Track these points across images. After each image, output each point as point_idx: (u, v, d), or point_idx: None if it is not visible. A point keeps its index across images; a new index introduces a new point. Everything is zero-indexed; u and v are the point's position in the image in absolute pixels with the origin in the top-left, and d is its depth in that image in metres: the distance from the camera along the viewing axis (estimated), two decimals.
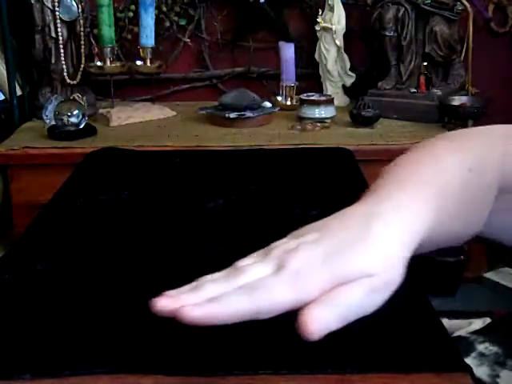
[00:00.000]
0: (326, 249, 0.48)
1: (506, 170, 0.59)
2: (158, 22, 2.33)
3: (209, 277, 0.51)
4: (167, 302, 0.48)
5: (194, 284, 0.51)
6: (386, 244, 0.48)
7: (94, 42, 2.29)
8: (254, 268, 0.50)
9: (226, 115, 2.09)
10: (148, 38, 2.20)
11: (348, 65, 2.34)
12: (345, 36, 2.32)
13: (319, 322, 0.45)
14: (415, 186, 0.52)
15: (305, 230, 0.52)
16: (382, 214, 0.49)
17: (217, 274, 0.51)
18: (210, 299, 0.47)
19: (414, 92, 2.18)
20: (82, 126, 2.01)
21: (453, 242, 0.61)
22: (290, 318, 0.70)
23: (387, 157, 1.98)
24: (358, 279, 0.46)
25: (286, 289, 0.46)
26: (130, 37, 2.39)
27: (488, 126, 0.65)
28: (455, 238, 0.60)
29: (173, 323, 0.70)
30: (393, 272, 0.48)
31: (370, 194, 0.53)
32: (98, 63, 2.22)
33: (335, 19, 2.29)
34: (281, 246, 0.51)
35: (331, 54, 2.33)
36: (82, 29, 2.21)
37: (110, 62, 2.20)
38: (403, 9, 2.18)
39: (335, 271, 0.46)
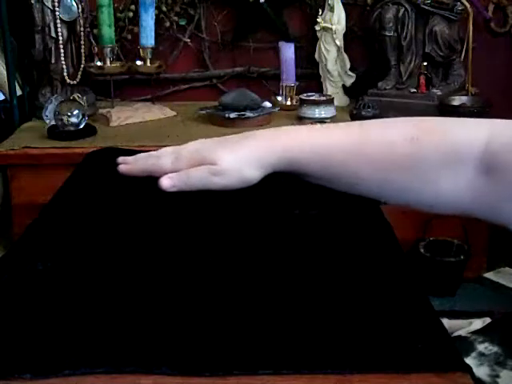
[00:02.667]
0: (205, 145, 0.75)
1: (490, 148, 0.63)
2: (158, 22, 2.33)
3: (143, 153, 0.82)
4: (119, 159, 0.82)
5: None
6: (240, 148, 0.71)
7: (93, 42, 2.29)
8: (165, 148, 0.79)
9: (226, 115, 2.09)
10: (148, 38, 2.20)
11: (348, 65, 2.34)
12: (345, 36, 2.32)
13: (167, 181, 0.72)
14: (302, 127, 0.74)
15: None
16: (254, 134, 0.73)
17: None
18: (134, 160, 0.80)
19: (414, 92, 2.18)
20: (82, 126, 2.01)
21: (393, 200, 0.71)
22: (290, 319, 0.70)
23: None
24: (205, 164, 0.71)
25: (168, 162, 0.75)
26: (129, 37, 2.39)
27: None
28: (394, 198, 0.70)
29: (173, 323, 0.70)
30: (234, 166, 0.70)
31: None
32: (98, 63, 2.22)
33: (335, 19, 2.29)
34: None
35: (331, 54, 2.33)
36: (81, 29, 2.21)
37: (110, 62, 2.20)
38: (403, 9, 2.18)
39: (196, 157, 0.73)
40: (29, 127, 2.17)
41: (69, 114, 1.98)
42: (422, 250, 2.04)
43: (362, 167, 0.68)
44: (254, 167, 0.71)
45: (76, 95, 2.11)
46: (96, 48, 2.24)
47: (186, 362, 0.63)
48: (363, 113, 2.06)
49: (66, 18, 2.17)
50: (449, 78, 2.26)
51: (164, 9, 2.39)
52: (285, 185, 1.20)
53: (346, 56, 2.33)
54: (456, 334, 1.63)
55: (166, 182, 0.72)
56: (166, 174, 0.73)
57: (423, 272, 2.01)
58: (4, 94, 2.20)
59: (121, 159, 0.81)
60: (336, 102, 2.21)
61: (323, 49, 2.34)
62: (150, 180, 1.24)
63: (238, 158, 0.71)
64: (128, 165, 0.79)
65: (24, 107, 2.26)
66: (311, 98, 2.16)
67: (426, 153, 0.65)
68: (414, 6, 2.18)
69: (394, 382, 0.61)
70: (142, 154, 0.81)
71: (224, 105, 2.14)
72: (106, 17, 2.15)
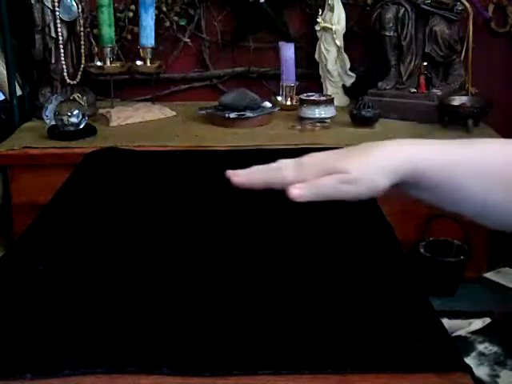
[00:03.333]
0: (330, 155, 0.70)
1: None
2: (158, 22, 2.33)
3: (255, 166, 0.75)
4: (229, 172, 0.73)
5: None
6: (370, 156, 0.68)
7: (93, 42, 2.29)
8: (284, 160, 0.73)
9: (226, 115, 2.09)
10: (148, 38, 2.20)
11: (348, 65, 2.34)
12: (345, 36, 2.32)
13: (297, 192, 0.68)
14: (423, 140, 0.70)
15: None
16: (382, 144, 0.69)
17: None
18: (249, 172, 0.72)
19: (414, 92, 2.18)
20: (82, 126, 2.01)
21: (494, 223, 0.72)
22: (289, 319, 0.70)
23: None
24: (335, 173, 0.68)
25: (290, 172, 0.70)
26: (129, 37, 2.39)
27: None
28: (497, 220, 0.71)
29: (173, 324, 0.70)
30: (366, 174, 0.68)
31: None
32: (98, 63, 2.22)
33: (335, 19, 2.29)
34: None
35: (331, 54, 2.33)
36: (81, 29, 2.21)
37: (110, 62, 2.20)
38: (403, 9, 2.18)
39: (324, 166, 0.69)
40: (29, 127, 2.17)
41: (69, 113, 1.98)
42: (421, 250, 2.04)
43: (485, 184, 0.68)
44: (384, 175, 0.68)
45: (76, 95, 2.11)
46: (96, 48, 2.24)
47: (186, 362, 0.63)
48: (363, 113, 2.06)
49: (66, 18, 2.17)
50: (449, 78, 2.26)
51: (164, 9, 2.39)
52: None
53: (345, 56, 2.33)
54: (456, 334, 1.63)
55: (295, 192, 0.68)
56: (289, 185, 0.69)
57: (423, 272, 2.01)
58: (4, 94, 2.20)
59: (230, 172, 0.75)
60: (336, 102, 2.21)
61: (323, 49, 2.34)
62: (151, 180, 1.24)
63: (369, 166, 0.68)
64: (243, 177, 0.74)
65: (24, 107, 2.26)
66: (311, 98, 2.16)
67: None
68: (414, 6, 2.17)
69: (393, 382, 0.61)
70: (258, 167, 0.75)
71: (224, 105, 2.14)
72: (106, 17, 2.15)
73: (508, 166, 0.68)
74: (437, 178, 0.69)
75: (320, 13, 2.32)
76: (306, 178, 0.69)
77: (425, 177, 0.68)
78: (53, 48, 2.20)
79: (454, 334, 1.62)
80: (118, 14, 2.36)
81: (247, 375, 0.62)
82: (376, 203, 1.10)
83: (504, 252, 2.19)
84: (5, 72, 2.17)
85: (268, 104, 2.19)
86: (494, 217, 0.70)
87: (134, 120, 2.19)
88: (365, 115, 2.06)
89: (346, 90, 2.38)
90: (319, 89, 2.36)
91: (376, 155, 0.69)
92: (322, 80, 2.38)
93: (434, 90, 2.17)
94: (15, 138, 2.05)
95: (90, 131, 2.03)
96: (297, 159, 0.72)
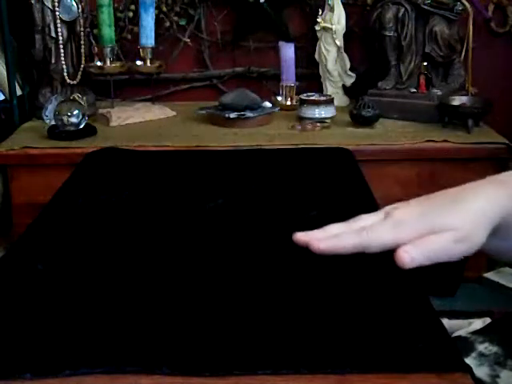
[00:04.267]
0: (424, 208, 0.64)
1: None
2: (158, 22, 2.33)
3: (336, 224, 0.68)
4: (302, 235, 0.67)
5: (325, 227, 0.68)
6: (472, 207, 0.62)
7: (94, 42, 2.29)
8: (368, 216, 0.67)
9: (226, 115, 2.09)
10: (148, 38, 2.20)
11: (348, 65, 2.34)
12: (345, 36, 2.32)
13: (408, 257, 0.61)
14: (505, 180, 0.66)
15: (410, 201, 0.67)
16: (472, 189, 0.64)
17: (342, 223, 0.68)
18: (332, 236, 0.65)
19: (414, 92, 2.18)
20: (82, 126, 2.01)
21: None
22: (289, 319, 0.70)
23: (387, 157, 1.99)
24: (445, 231, 0.61)
25: (388, 232, 0.63)
26: (129, 37, 2.39)
27: None
28: None
29: (173, 324, 0.70)
30: (474, 229, 0.62)
31: None
32: (98, 63, 2.22)
33: (335, 19, 2.29)
34: (392, 205, 0.67)
35: (331, 54, 2.33)
36: (81, 29, 2.21)
37: (110, 62, 2.20)
38: (403, 9, 2.18)
39: (427, 223, 0.62)
40: (29, 127, 2.17)
41: (69, 114, 1.98)
42: None
43: None
44: (488, 227, 0.63)
45: (76, 95, 2.11)
46: (96, 48, 2.24)
47: (187, 362, 0.63)
48: (363, 113, 2.06)
49: (66, 17, 2.17)
50: (449, 77, 2.25)
51: (164, 9, 2.39)
52: (285, 185, 1.20)
53: (345, 56, 2.33)
54: (456, 334, 1.63)
55: (405, 257, 0.61)
56: (385, 248, 0.63)
57: (423, 272, 2.01)
58: (4, 94, 2.20)
59: (303, 235, 0.67)
60: (336, 102, 2.21)
61: (323, 49, 2.34)
62: (151, 180, 1.24)
63: (476, 219, 0.62)
64: (327, 242, 0.65)
65: (24, 107, 2.26)
66: (311, 98, 2.16)
67: None
68: (414, 6, 2.17)
69: (394, 382, 0.61)
70: (340, 226, 0.68)
71: (224, 105, 2.14)
72: (106, 17, 2.15)
73: None
74: None
75: (320, 13, 2.32)
76: (405, 238, 0.62)
77: (507, 225, 0.63)
78: (53, 48, 2.20)
79: (454, 334, 1.62)
80: (118, 14, 2.36)
81: (247, 375, 0.62)
82: (375, 203, 1.10)
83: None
84: (5, 72, 2.17)
85: (268, 104, 2.19)
86: None
87: (134, 120, 2.19)
88: (365, 115, 2.06)
89: (346, 89, 2.38)
90: (319, 89, 2.36)
91: (478, 203, 0.63)
92: (322, 80, 2.39)
93: (434, 90, 2.17)
94: (15, 138, 2.05)
95: (90, 131, 2.03)
96: (387, 215, 0.65)
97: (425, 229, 0.62)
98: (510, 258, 0.69)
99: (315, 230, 0.67)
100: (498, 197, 0.63)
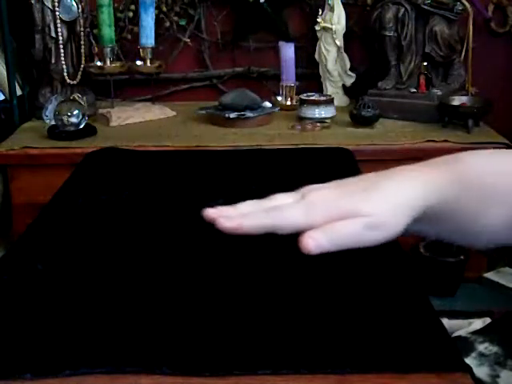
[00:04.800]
0: (342, 191, 0.61)
1: None
2: (158, 22, 2.33)
3: (247, 201, 0.64)
4: (212, 212, 0.63)
5: (235, 205, 0.64)
6: (389, 194, 0.59)
7: (94, 42, 2.29)
8: (281, 197, 0.63)
9: (226, 115, 2.09)
10: (148, 38, 2.20)
11: (348, 65, 2.34)
12: (345, 36, 2.32)
13: (313, 242, 0.57)
14: (435, 164, 0.62)
15: (331, 183, 0.65)
16: (399, 174, 0.61)
17: (253, 200, 0.65)
18: (242, 214, 0.61)
19: (414, 92, 2.18)
20: (82, 126, 2.01)
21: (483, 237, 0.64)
22: (289, 319, 0.70)
23: (387, 157, 1.99)
24: (357, 216, 0.58)
25: (299, 214, 0.59)
26: (129, 37, 2.39)
27: None
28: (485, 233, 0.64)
29: (173, 324, 0.70)
30: (390, 216, 0.58)
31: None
32: (98, 63, 2.22)
33: (335, 19, 2.29)
34: (309, 187, 0.64)
35: (331, 54, 2.33)
36: (81, 29, 2.21)
37: (110, 62, 2.20)
38: (403, 9, 2.18)
39: (340, 207, 0.59)
40: (29, 127, 2.17)
41: (69, 114, 1.98)
42: (421, 250, 2.04)
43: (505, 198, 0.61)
44: (408, 214, 0.59)
45: (76, 95, 2.11)
46: (96, 48, 2.24)
47: (187, 362, 0.63)
48: (363, 113, 2.06)
49: (66, 18, 2.17)
50: (449, 78, 2.25)
51: (164, 9, 2.39)
52: (285, 185, 1.20)
53: (346, 56, 2.33)
54: (456, 334, 1.63)
55: (310, 243, 0.58)
56: (296, 230, 0.59)
57: (423, 272, 2.01)
58: (4, 94, 2.20)
59: (215, 212, 0.63)
60: (336, 102, 2.21)
61: (323, 49, 2.34)
62: (151, 180, 1.24)
63: (394, 205, 0.59)
64: (235, 221, 0.62)
65: (24, 107, 2.26)
66: (311, 98, 2.16)
67: None
68: (414, 6, 2.17)
69: (394, 382, 0.61)
70: (251, 205, 0.64)
71: (224, 105, 2.14)
72: (106, 17, 2.15)
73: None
74: (464, 198, 0.61)
75: (320, 13, 2.32)
76: (317, 221, 0.59)
77: (449, 201, 0.61)
78: (53, 48, 2.20)
79: (454, 334, 1.62)
80: (118, 14, 2.36)
81: (247, 375, 0.62)
82: None
83: (504, 252, 2.19)
84: (5, 72, 2.16)
85: (268, 104, 2.19)
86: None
87: (134, 120, 2.19)
88: (365, 115, 2.06)
89: (346, 89, 2.38)
90: (319, 89, 2.36)
91: (399, 189, 0.60)
92: (322, 80, 2.38)
93: (434, 90, 2.17)
94: (15, 138, 2.05)
95: (90, 131, 2.03)
96: (301, 196, 0.62)
97: (337, 213, 0.59)
98: (440, 239, 0.65)
99: (226, 207, 0.63)
100: (424, 186, 0.60)
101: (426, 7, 2.15)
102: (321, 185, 0.64)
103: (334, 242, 0.58)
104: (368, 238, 0.59)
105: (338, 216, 0.59)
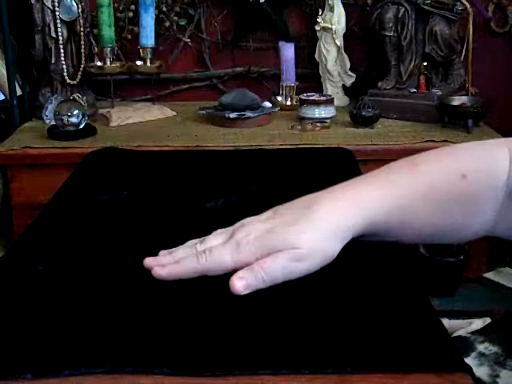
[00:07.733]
0: (271, 225, 0.61)
1: None
2: (158, 22, 2.33)
3: (187, 243, 0.67)
4: (150, 260, 0.66)
5: (172, 249, 0.67)
6: (317, 223, 0.60)
7: (93, 42, 2.29)
8: (213, 238, 0.65)
9: (226, 115, 2.09)
10: (148, 38, 2.20)
11: (348, 65, 2.34)
12: (345, 36, 2.33)
13: (240, 283, 0.59)
14: (365, 182, 0.63)
15: (268, 211, 0.65)
16: (326, 199, 0.62)
17: (191, 242, 0.67)
18: (176, 261, 0.64)
19: (414, 92, 2.18)
20: (82, 126, 2.01)
21: (447, 239, 0.68)
22: (289, 319, 0.70)
23: (387, 157, 1.99)
24: (284, 250, 0.59)
25: (227, 255, 0.61)
26: (129, 37, 2.39)
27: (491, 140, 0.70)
28: (449, 235, 0.66)
29: (173, 323, 0.70)
30: (318, 246, 0.59)
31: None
32: (98, 63, 2.22)
33: (335, 19, 2.29)
34: (242, 222, 0.65)
35: (331, 54, 2.33)
36: (81, 29, 2.21)
37: (110, 62, 2.20)
38: (403, 9, 2.18)
39: (267, 243, 0.60)
40: (29, 127, 2.17)
41: (69, 114, 1.98)
42: (421, 250, 2.04)
43: (431, 211, 0.63)
44: (335, 242, 0.61)
45: (76, 95, 2.11)
46: (96, 48, 2.24)
47: (186, 362, 0.63)
48: (363, 113, 2.06)
49: (65, 18, 2.17)
50: (449, 78, 2.26)
51: (164, 9, 2.39)
52: (285, 185, 1.20)
53: (346, 56, 2.33)
54: (456, 334, 1.63)
55: (239, 285, 0.59)
56: (226, 271, 0.61)
57: (423, 272, 2.01)
58: (4, 93, 2.20)
59: (151, 261, 0.66)
60: (336, 102, 2.21)
61: (323, 49, 2.34)
62: (151, 180, 1.24)
63: (319, 235, 0.60)
64: (167, 267, 0.64)
65: (24, 107, 2.26)
66: (311, 98, 2.16)
67: (478, 188, 0.62)
68: (414, 6, 2.17)
69: (393, 382, 0.61)
70: (182, 250, 0.67)
71: (224, 105, 2.14)
72: (106, 17, 2.15)
73: (453, 186, 0.62)
74: (391, 223, 0.63)
75: (320, 13, 2.32)
76: (245, 261, 0.60)
77: (378, 225, 0.62)
78: (53, 48, 2.20)
79: (453, 334, 1.62)
80: (118, 14, 2.36)
81: (247, 375, 0.62)
82: None
83: (504, 252, 2.19)
84: (5, 72, 2.16)
85: (268, 104, 2.19)
86: (457, 234, 0.66)
87: (134, 120, 2.20)
88: (365, 115, 2.06)
89: (346, 89, 2.39)
90: (319, 89, 2.36)
91: (322, 219, 0.60)
92: (322, 80, 2.39)
93: (434, 90, 2.17)
94: (15, 138, 2.05)
95: (90, 131, 2.03)
96: (232, 235, 0.62)
97: (265, 249, 0.60)
98: (410, 242, 0.69)
99: (163, 254, 0.67)
100: (359, 205, 0.61)
101: (425, 7, 2.15)
102: (255, 217, 0.64)
103: (263, 279, 0.60)
104: (298, 269, 0.60)
105: (267, 251, 0.59)
